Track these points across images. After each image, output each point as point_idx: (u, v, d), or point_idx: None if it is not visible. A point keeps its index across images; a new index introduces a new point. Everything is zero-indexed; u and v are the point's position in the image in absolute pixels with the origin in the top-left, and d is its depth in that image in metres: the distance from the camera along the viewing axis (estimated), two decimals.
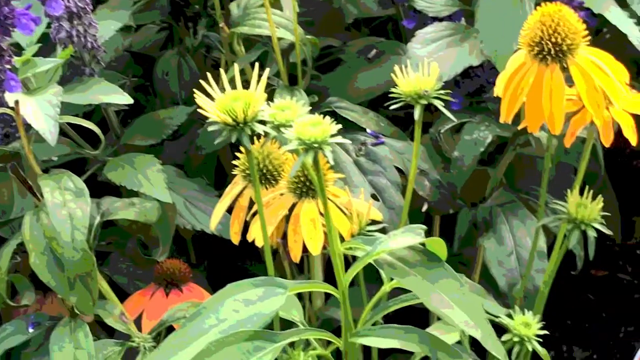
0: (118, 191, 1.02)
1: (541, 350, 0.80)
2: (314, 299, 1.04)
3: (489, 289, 0.97)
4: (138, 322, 0.96)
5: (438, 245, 0.76)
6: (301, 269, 1.07)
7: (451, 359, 0.76)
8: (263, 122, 0.72)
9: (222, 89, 0.72)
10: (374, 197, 0.95)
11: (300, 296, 1.07)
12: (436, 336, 0.77)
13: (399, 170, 0.98)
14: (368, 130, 1.01)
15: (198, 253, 1.25)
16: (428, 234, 0.76)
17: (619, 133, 0.81)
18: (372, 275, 0.85)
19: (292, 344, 0.79)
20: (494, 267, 0.97)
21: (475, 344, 0.77)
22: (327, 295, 1.07)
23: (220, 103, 0.71)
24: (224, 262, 1.21)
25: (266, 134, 0.73)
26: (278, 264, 1.04)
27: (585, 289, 1.80)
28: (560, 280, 1.74)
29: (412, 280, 0.73)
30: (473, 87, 1.02)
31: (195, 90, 0.71)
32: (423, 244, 0.76)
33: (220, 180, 1.13)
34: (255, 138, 0.85)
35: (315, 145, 0.66)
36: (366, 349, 1.06)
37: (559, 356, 1.67)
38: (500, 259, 0.98)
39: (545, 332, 0.80)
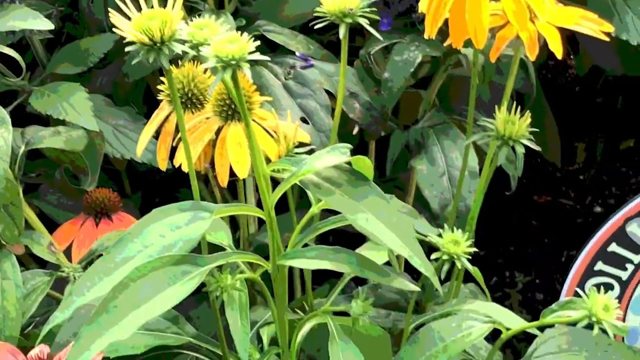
0: (48, 124, 1.00)
1: (471, 268, 0.80)
2: (248, 225, 1.04)
3: (424, 212, 0.97)
4: (69, 253, 0.95)
5: (364, 164, 0.75)
6: (235, 195, 1.06)
7: (381, 278, 0.76)
8: (182, 42, 0.70)
9: (140, 9, 0.71)
10: (303, 120, 0.94)
11: (236, 225, 1.07)
12: (365, 256, 0.76)
13: (329, 93, 0.97)
14: (297, 54, 1.00)
15: (133, 183, 1.24)
16: None
17: (557, 58, 0.80)
18: (307, 202, 0.84)
19: (220, 268, 0.78)
20: (427, 189, 0.97)
21: (409, 266, 0.76)
22: (262, 222, 1.06)
23: (136, 22, 0.69)
24: (158, 192, 1.20)
25: (185, 54, 0.71)
26: (211, 191, 1.04)
27: (528, 215, 1.81)
28: (503, 207, 1.76)
29: (337, 199, 0.72)
30: (403, 8, 1.01)
31: (110, 9, 0.70)
32: (350, 164, 0.75)
33: (151, 109, 1.11)
34: (180, 62, 0.84)
35: (233, 62, 0.65)
36: (302, 277, 1.06)
37: (502, 281, 1.69)
38: (433, 180, 0.97)
39: (475, 249, 0.79)
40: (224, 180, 0.83)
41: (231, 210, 0.76)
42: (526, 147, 0.81)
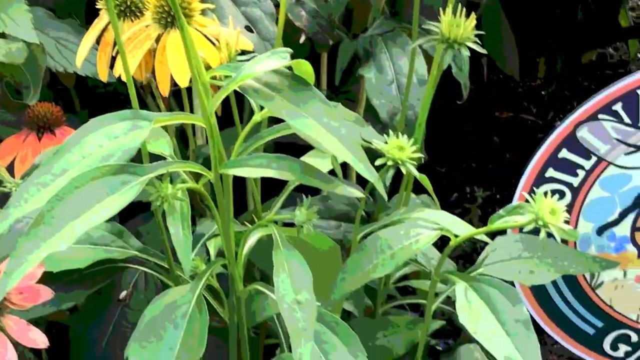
0: None
1: (417, 174, 0.79)
2: (196, 138, 1.02)
3: (376, 125, 0.95)
4: (11, 168, 0.93)
5: (305, 69, 0.73)
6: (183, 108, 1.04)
7: (325, 185, 0.75)
8: None
9: None
10: (248, 29, 0.92)
11: (185, 140, 1.05)
12: (308, 163, 0.75)
13: (274, 1, 0.95)
14: None
15: (85, 102, 1.22)
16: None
17: None
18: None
19: (161, 179, 0.77)
20: (375, 97, 0.95)
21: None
22: None
23: None
24: (108, 109, 1.18)
25: None
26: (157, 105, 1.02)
27: (490, 131, 1.81)
28: (464, 124, 1.75)
29: (278, 103, 0.71)
30: None
31: None
32: (291, 69, 0.73)
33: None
34: None
35: None
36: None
37: (462, 197, 1.69)
38: (381, 89, 0.96)
39: (420, 155, 0.78)
40: (165, 89, 0.81)
41: (170, 119, 0.75)
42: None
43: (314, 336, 0.75)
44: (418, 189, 0.97)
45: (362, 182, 0.78)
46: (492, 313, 0.80)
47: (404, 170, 0.77)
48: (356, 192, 0.75)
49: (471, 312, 0.81)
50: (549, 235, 0.78)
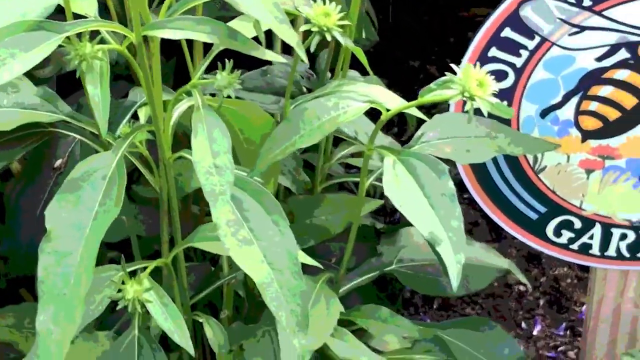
0: None
1: (343, 41, 0.78)
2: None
3: None
4: None
5: None
6: None
7: (247, 48, 0.73)
8: None
9: None
10: None
11: None
12: (232, 27, 0.74)
13: None
14: None
15: None
16: None
17: None
18: None
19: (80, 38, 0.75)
20: None
21: None
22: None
23: None
24: None
25: None
26: None
27: (466, 28, 1.79)
28: (442, 20, 1.73)
29: None
30: None
31: None
32: None
33: None
34: None
35: None
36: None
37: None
38: None
39: (347, 22, 0.77)
40: None
41: None
42: None
43: (235, 204, 0.74)
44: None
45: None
46: (419, 187, 0.80)
47: (328, 37, 0.76)
48: (278, 57, 0.73)
49: (398, 185, 0.80)
50: (478, 111, 0.77)
